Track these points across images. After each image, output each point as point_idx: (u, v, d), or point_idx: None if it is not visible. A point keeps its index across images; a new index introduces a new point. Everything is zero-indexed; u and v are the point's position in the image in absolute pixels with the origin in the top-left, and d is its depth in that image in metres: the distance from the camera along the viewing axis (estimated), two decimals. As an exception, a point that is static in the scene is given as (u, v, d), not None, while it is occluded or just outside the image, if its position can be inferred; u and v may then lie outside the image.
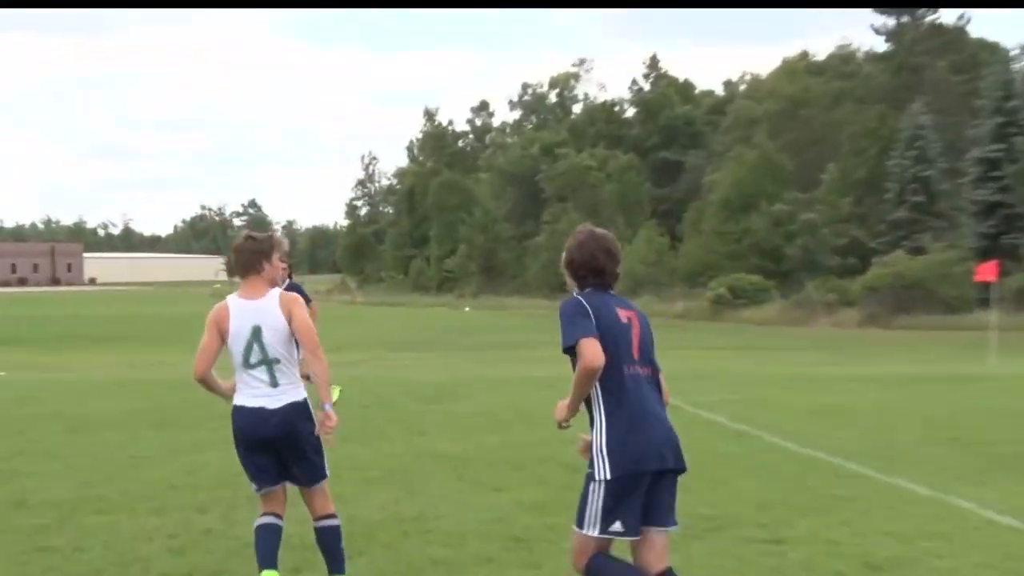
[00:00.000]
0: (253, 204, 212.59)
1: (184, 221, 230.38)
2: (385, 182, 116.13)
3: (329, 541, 6.27)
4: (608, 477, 5.08)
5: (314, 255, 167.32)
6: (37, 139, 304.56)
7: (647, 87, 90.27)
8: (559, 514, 8.18)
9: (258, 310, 6.07)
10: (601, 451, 5.12)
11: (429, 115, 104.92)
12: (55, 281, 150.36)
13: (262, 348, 6.02)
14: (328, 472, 6.29)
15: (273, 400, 6.04)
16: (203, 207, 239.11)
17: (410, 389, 18.55)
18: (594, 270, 5.44)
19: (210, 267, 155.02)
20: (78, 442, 12.35)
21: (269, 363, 6.03)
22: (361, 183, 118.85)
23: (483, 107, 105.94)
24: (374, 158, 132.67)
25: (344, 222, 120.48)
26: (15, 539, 7.71)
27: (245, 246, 6.23)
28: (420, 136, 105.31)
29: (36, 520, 8.21)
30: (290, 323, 6.05)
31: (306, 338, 6.03)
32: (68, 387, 18.68)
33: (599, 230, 5.60)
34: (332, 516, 6.31)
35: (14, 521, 8.25)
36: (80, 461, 11.01)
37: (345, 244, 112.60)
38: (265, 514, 6.21)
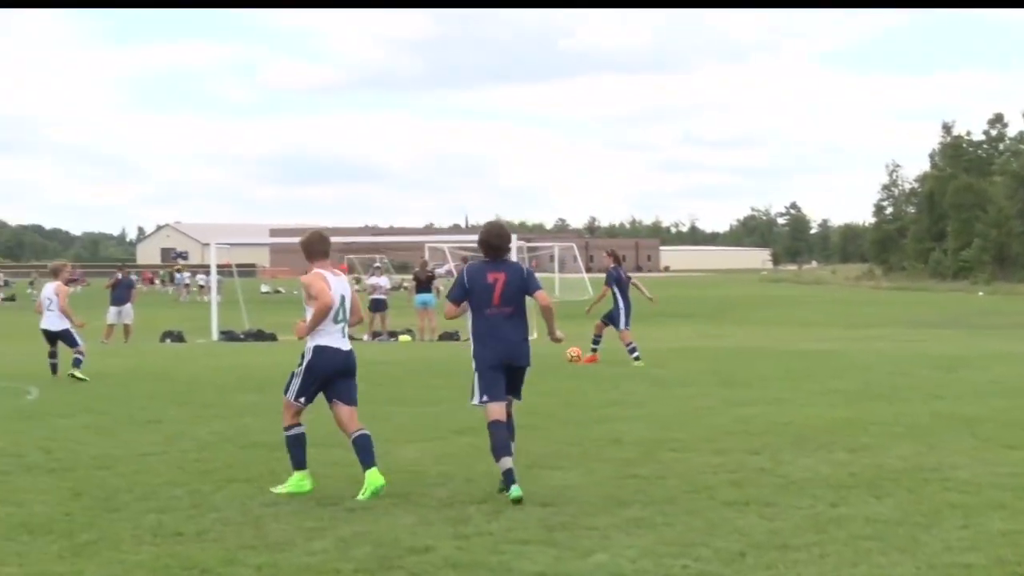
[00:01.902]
0: (794, 206, 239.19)
1: (737, 220, 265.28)
2: (907, 186, 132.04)
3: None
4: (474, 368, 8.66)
5: (845, 248, 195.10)
6: (625, 156, 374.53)
7: None
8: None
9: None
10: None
11: (947, 128, 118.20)
12: (638, 268, 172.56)
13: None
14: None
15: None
16: (752, 209, 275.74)
17: (927, 360, 20.45)
18: (489, 246, 8.84)
19: (757, 258, 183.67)
20: (659, 395, 15.05)
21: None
22: (886, 187, 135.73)
23: (998, 119, 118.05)
24: (897, 166, 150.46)
25: (871, 220, 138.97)
26: (611, 467, 9.51)
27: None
28: (939, 146, 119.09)
29: (627, 454, 10.05)
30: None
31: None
32: (652, 353, 21.73)
33: (497, 221, 9.16)
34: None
35: (610, 453, 10.17)
36: (660, 410, 13.38)
37: (872, 238, 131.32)
38: None
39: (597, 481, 8.86)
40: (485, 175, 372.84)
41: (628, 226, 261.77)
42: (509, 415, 8.69)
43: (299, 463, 8.66)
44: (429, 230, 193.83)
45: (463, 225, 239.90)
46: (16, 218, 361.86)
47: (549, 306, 8.75)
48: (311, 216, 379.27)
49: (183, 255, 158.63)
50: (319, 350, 8.55)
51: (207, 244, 39.26)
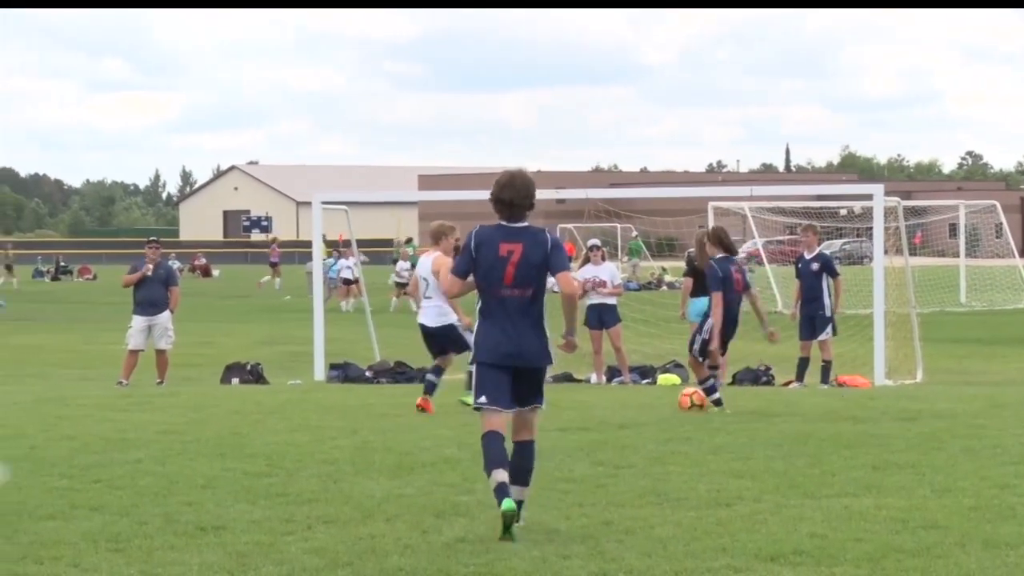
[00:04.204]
0: None
1: None
2: None
3: None
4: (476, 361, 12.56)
5: None
6: None
7: None
8: None
9: None
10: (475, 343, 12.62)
11: None
12: None
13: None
14: None
15: None
16: None
17: None
18: (503, 204, 12.07)
19: None
20: None
21: None
22: None
23: None
24: None
25: None
26: None
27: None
28: None
29: None
30: None
31: None
32: None
33: (517, 169, 12.16)
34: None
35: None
36: None
37: None
38: None
39: None
40: (813, 72, 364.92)
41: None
42: (527, 431, 12.45)
43: None
44: (715, 175, 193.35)
45: (782, 166, 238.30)
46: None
47: (573, 295, 12.23)
48: (496, 151, 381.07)
49: (263, 223, 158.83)
50: None
51: (304, 203, 40.10)
